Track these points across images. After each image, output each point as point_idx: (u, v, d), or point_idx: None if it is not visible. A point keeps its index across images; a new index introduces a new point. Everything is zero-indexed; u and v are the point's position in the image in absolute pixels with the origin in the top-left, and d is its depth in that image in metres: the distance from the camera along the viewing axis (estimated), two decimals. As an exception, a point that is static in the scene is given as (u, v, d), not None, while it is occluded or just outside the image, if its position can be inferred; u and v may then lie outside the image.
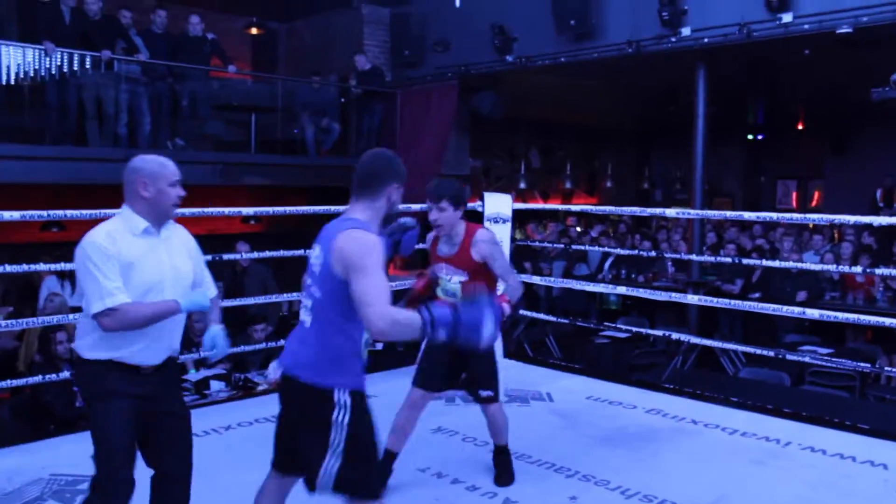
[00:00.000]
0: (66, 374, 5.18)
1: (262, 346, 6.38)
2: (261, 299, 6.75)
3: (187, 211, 6.33)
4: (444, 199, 3.84)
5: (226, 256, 5.77)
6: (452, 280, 3.91)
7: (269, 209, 6.28)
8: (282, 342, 6.11)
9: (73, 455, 4.29)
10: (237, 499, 3.72)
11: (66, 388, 5.47)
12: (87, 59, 8.49)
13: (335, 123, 10.88)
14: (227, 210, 6.07)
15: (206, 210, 5.99)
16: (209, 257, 5.67)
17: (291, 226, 11.16)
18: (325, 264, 2.51)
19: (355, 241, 2.45)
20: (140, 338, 2.86)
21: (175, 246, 3.04)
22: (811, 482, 4.06)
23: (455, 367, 4.01)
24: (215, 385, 5.87)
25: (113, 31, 8.68)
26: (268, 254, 6.25)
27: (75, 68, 8.44)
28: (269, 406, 5.08)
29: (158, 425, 2.97)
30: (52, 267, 5.59)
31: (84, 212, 4.77)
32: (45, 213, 4.89)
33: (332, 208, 5.91)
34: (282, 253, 6.11)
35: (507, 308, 3.09)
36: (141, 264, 2.85)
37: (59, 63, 8.30)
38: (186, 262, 3.06)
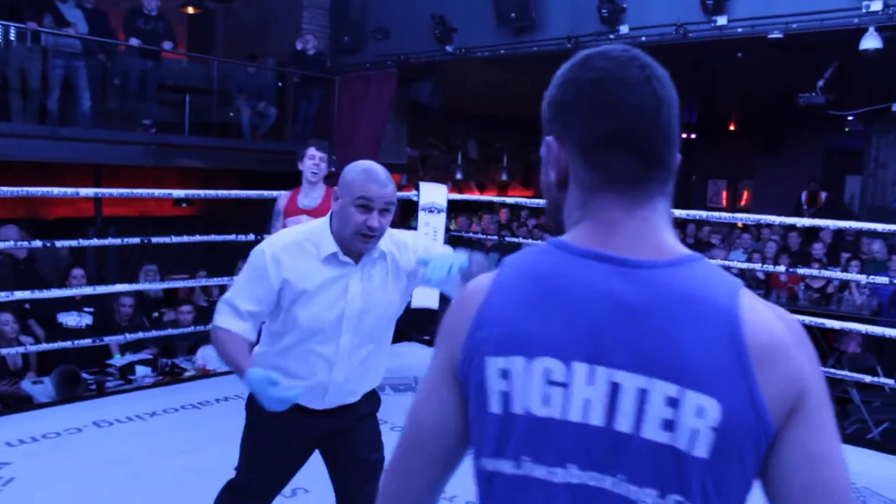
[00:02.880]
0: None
1: (191, 329, 6.26)
2: (189, 283, 6.61)
3: (115, 191, 6.19)
4: (327, 152, 4.62)
5: (154, 240, 5.63)
6: None
7: (202, 192, 6.17)
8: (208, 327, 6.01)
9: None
10: (160, 485, 3.66)
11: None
12: (12, 31, 8.20)
13: (272, 107, 10.73)
14: (156, 192, 5.95)
15: (135, 191, 5.87)
16: (136, 240, 5.58)
17: (224, 210, 10.99)
18: (736, 415, 0.89)
19: (801, 337, 0.95)
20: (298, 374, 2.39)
21: (378, 278, 2.40)
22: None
23: None
24: (141, 370, 5.76)
25: (41, 4, 8.38)
26: (199, 238, 6.12)
27: (-1, 40, 8.16)
28: (197, 392, 5.02)
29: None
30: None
31: (3, 189, 4.61)
32: (-37, 188, 4.72)
33: (268, 193, 5.84)
34: (213, 238, 6.02)
35: None
36: (314, 299, 2.31)
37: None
38: (387, 298, 2.42)
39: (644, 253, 0.96)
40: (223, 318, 2.32)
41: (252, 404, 2.43)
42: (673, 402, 0.89)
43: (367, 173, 2.27)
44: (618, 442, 0.91)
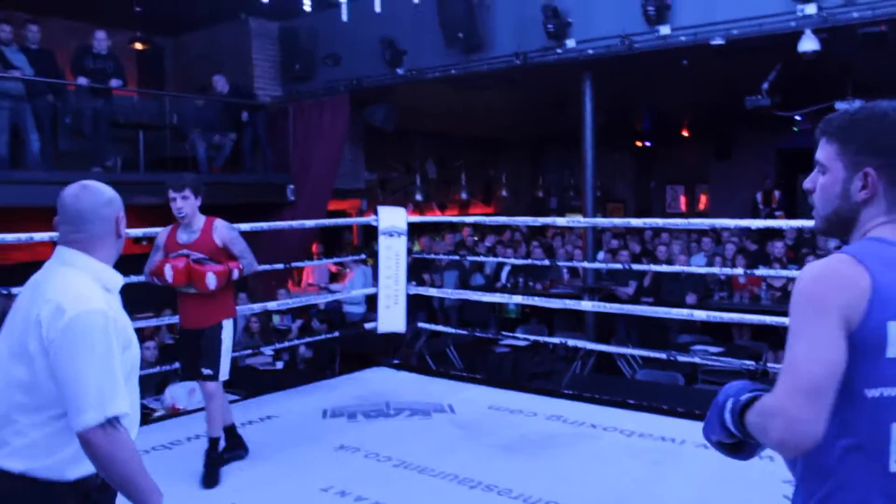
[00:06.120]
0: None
1: (156, 370, 6.18)
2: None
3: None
4: (188, 188, 4.29)
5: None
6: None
7: (160, 230, 6.08)
8: (176, 365, 5.92)
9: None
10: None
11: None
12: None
13: (227, 139, 10.67)
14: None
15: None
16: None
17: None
18: None
19: None
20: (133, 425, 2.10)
21: None
22: (706, 478, 4.20)
23: (192, 355, 4.43)
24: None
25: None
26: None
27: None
28: (167, 432, 4.95)
29: None
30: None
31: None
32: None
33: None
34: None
35: (236, 273, 4.31)
36: (134, 342, 2.14)
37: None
38: None
39: None
40: (118, 404, 1.94)
41: None
42: None
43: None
44: None
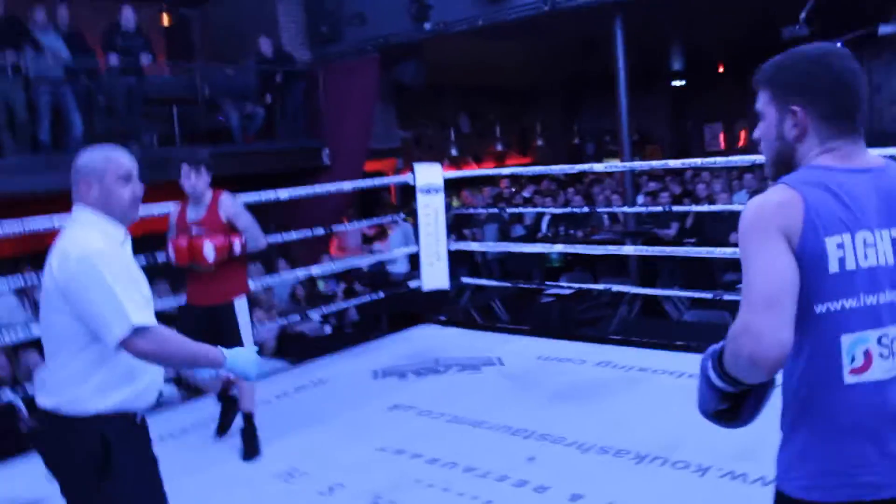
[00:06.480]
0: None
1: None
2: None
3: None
4: (203, 166, 4.14)
5: (161, 258, 5.63)
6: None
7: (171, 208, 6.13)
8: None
9: (29, 476, 4.18)
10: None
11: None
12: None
13: (259, 108, 10.68)
14: (155, 210, 5.92)
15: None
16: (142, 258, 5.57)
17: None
18: None
19: None
20: (144, 370, 2.30)
21: None
22: (761, 415, 4.17)
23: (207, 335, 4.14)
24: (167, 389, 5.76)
25: (16, 32, 8.33)
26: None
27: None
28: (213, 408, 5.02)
29: None
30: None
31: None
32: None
33: (266, 196, 5.78)
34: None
35: (238, 247, 4.10)
36: (143, 283, 2.33)
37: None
38: None
39: (870, 164, 1.61)
40: (141, 315, 2.17)
41: (110, 440, 2.20)
42: None
43: (112, 154, 2.39)
44: None
